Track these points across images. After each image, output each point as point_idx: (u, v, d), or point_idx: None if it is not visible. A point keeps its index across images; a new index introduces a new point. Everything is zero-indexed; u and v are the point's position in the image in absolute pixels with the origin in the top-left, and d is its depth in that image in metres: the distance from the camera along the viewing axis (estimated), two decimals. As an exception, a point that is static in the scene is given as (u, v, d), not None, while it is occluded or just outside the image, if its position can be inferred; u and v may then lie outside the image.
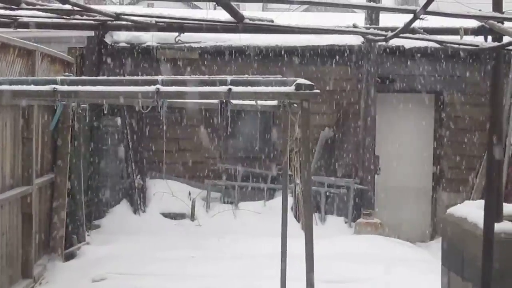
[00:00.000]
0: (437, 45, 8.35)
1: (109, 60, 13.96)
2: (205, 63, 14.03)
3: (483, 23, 5.88)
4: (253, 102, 7.65)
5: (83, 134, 12.15)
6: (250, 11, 15.64)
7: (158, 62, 13.96)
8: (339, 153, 14.24)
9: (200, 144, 14.23)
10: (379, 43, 12.79)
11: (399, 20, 5.94)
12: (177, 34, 6.62)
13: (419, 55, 14.07)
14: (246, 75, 10.27)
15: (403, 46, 13.83)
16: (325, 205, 13.75)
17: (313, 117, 12.99)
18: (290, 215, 12.05)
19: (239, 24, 5.82)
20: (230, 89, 5.87)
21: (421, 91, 14.38)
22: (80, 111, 11.00)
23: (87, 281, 9.70)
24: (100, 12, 5.80)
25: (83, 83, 6.17)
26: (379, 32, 6.34)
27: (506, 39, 5.90)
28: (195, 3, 30.59)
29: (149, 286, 9.37)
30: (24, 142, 9.45)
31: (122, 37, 13.92)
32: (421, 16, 4.93)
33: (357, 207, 13.75)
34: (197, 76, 6.77)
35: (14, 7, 5.34)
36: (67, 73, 11.01)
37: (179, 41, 6.70)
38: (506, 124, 12.80)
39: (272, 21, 6.07)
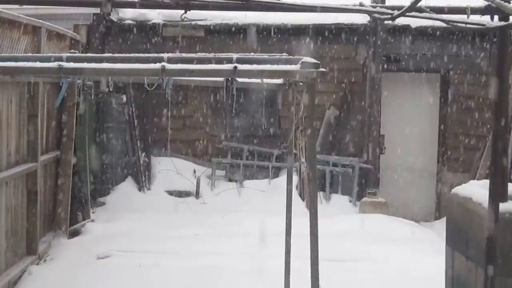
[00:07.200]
0: (443, 24, 8.31)
1: (114, 37, 13.96)
2: (211, 41, 14.01)
3: (490, 2, 5.83)
4: (258, 80, 7.62)
5: (89, 111, 12.16)
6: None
7: (163, 39, 13.95)
8: (344, 132, 14.24)
9: (205, 122, 14.24)
10: (385, 22, 12.71)
11: (405, -1, 5.92)
12: (183, 11, 6.60)
13: (425, 34, 14.01)
14: (252, 53, 10.25)
15: (409, 25, 13.78)
16: (330, 184, 13.76)
17: (319, 96, 12.97)
18: (295, 193, 12.08)
19: (245, 2, 5.80)
20: (236, 67, 5.84)
21: (427, 71, 14.33)
22: (86, 89, 10.99)
23: (91, 258, 9.73)
24: (105, -11, 5.78)
25: (89, 60, 6.14)
26: (386, 10, 6.31)
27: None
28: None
29: (153, 264, 9.40)
30: (29, 119, 9.46)
31: (128, 14, 13.91)
32: (428, -5, 4.90)
33: (361, 186, 13.78)
34: (202, 54, 6.73)
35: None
36: (72, 50, 11.00)
37: (185, 19, 6.70)
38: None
39: (278, -1, 6.05)
